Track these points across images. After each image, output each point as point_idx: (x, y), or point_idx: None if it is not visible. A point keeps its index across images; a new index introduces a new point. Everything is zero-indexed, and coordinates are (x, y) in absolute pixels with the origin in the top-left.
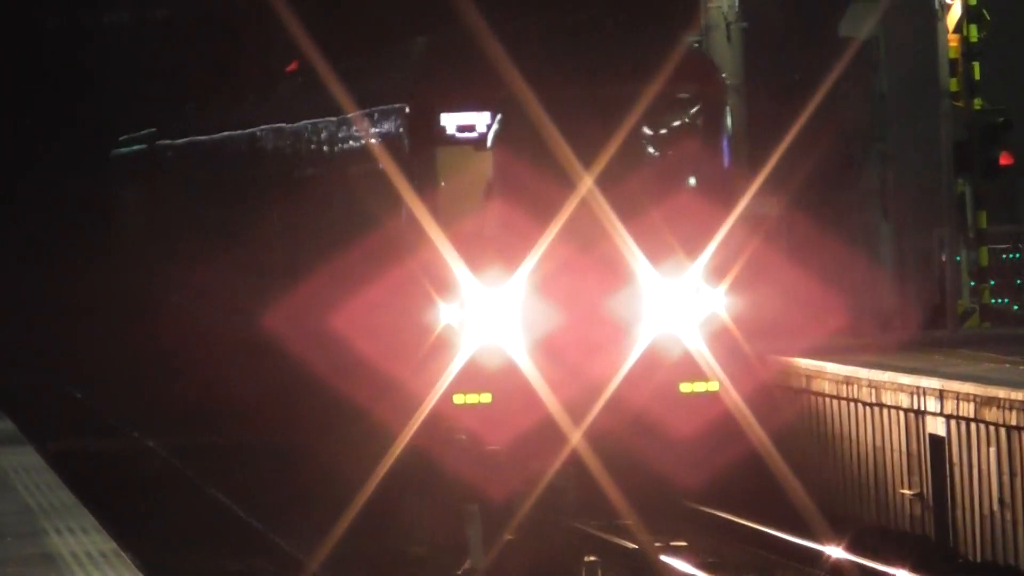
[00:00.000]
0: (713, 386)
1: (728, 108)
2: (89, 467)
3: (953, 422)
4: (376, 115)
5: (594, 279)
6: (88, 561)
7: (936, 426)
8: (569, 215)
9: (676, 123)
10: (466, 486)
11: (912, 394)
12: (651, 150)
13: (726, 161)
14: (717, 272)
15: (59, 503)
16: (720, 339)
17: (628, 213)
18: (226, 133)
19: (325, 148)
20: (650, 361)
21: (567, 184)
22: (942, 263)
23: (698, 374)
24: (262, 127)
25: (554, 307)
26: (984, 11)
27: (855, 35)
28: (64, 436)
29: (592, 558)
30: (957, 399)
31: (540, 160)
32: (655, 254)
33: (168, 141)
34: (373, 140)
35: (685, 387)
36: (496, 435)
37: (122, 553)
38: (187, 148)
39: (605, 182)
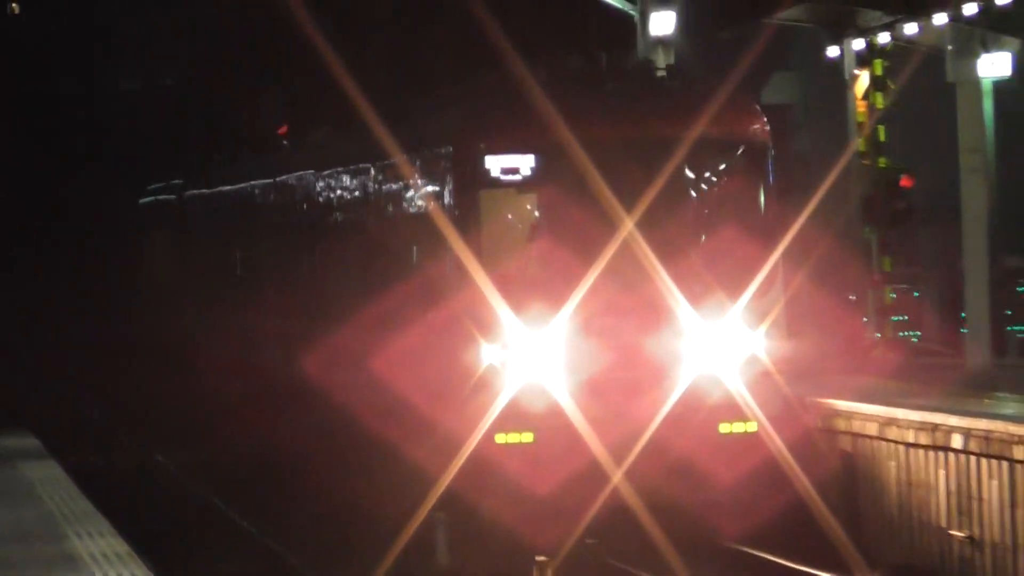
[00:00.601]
0: (752, 427)
1: (771, 152)
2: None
3: None
4: (421, 158)
5: (635, 320)
6: (105, 561)
7: None
8: (611, 257)
9: (720, 167)
10: (510, 530)
11: None
12: (694, 193)
13: (768, 205)
14: (757, 314)
15: (79, 511)
16: (758, 380)
17: (670, 255)
18: (262, 180)
19: (369, 191)
20: (690, 402)
21: (610, 226)
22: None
23: (737, 415)
24: (306, 172)
25: (596, 348)
26: (888, 80)
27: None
28: (85, 453)
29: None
30: None
31: (583, 203)
32: (696, 296)
33: (196, 191)
34: (418, 182)
35: (724, 427)
36: (537, 475)
37: (135, 555)
38: (218, 196)
39: (647, 224)
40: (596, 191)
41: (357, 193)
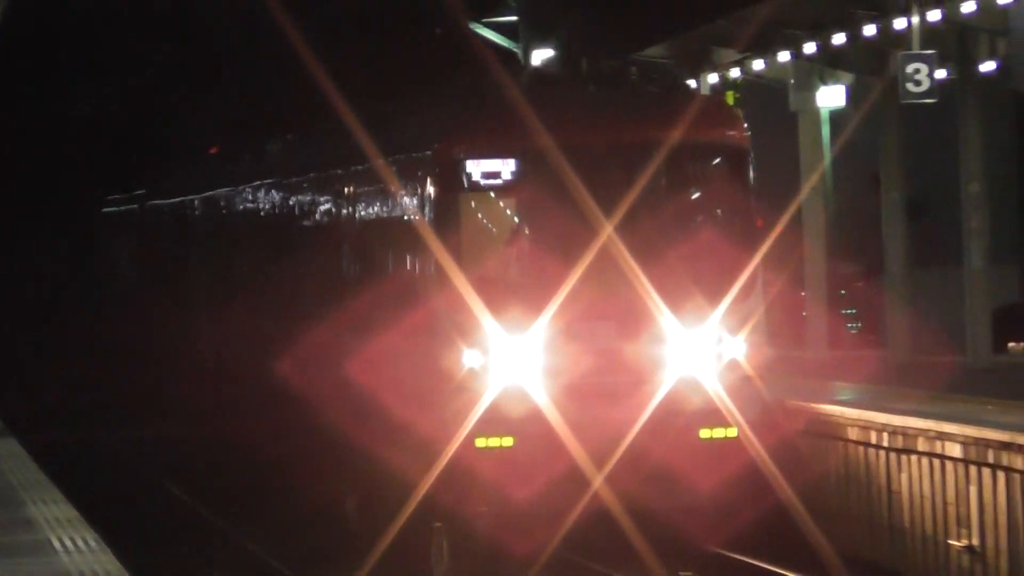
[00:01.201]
0: (732, 432)
1: (751, 156)
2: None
3: None
4: (399, 163)
5: (616, 325)
6: (57, 525)
7: None
8: (592, 261)
9: (700, 171)
10: (488, 534)
11: None
12: (674, 197)
13: (748, 209)
14: (737, 319)
15: (35, 481)
16: (738, 385)
17: (650, 259)
18: (228, 188)
19: (345, 197)
20: (670, 407)
21: (590, 230)
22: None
23: (717, 420)
24: (276, 179)
25: (576, 352)
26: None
27: None
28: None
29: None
30: None
31: (564, 207)
32: (676, 300)
33: (157, 200)
34: (396, 188)
35: (705, 433)
36: (518, 480)
37: (83, 519)
38: (182, 204)
39: (627, 229)
40: (576, 195)
41: (331, 200)
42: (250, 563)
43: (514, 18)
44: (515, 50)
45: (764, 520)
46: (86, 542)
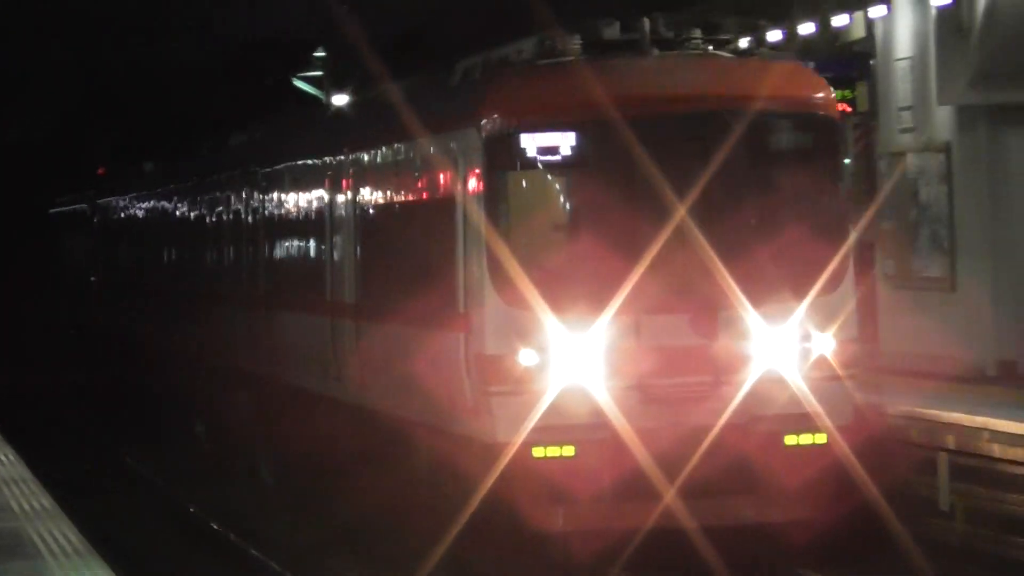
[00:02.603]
0: (821, 438)
1: (842, 128)
2: None
3: None
4: (440, 140)
5: (690, 320)
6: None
7: None
8: (663, 248)
9: (787, 146)
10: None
11: None
12: (758, 176)
13: (839, 188)
14: (827, 314)
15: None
16: (828, 386)
17: (729, 246)
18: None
19: (379, 179)
20: (751, 411)
21: (662, 213)
22: None
23: (805, 425)
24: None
25: (645, 350)
26: None
27: None
28: None
29: None
30: None
31: (630, 188)
32: (758, 292)
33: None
34: (436, 168)
35: (790, 439)
36: (579, 493)
37: (35, 480)
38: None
39: (704, 211)
40: (646, 173)
41: (367, 181)
42: None
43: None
44: (320, 96)
45: (858, 539)
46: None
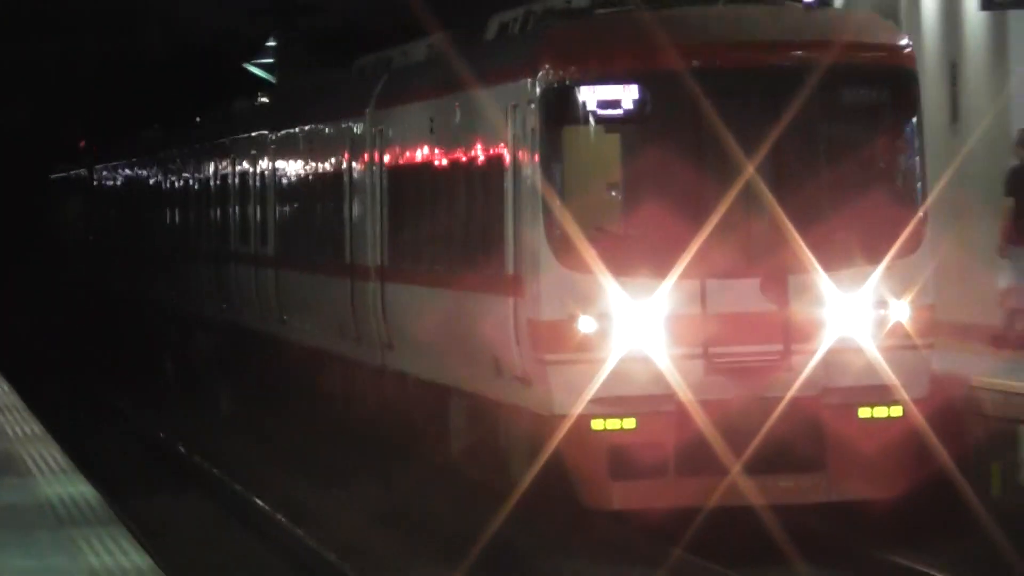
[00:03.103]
0: (897, 411)
1: (919, 84)
2: None
3: None
4: (487, 95)
5: (758, 286)
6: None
7: None
8: (729, 209)
9: (864, 102)
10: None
11: None
12: (832, 134)
13: (917, 148)
14: (904, 279)
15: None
16: (906, 357)
17: (799, 208)
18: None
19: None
20: (824, 383)
21: (730, 172)
22: None
23: (880, 398)
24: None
25: (711, 317)
26: None
27: None
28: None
29: None
30: None
31: (696, 145)
32: (830, 256)
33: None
34: (478, 125)
35: (864, 412)
36: (640, 469)
37: (26, 408)
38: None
39: (774, 171)
40: (712, 130)
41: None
42: None
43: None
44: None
45: (935, 518)
46: None
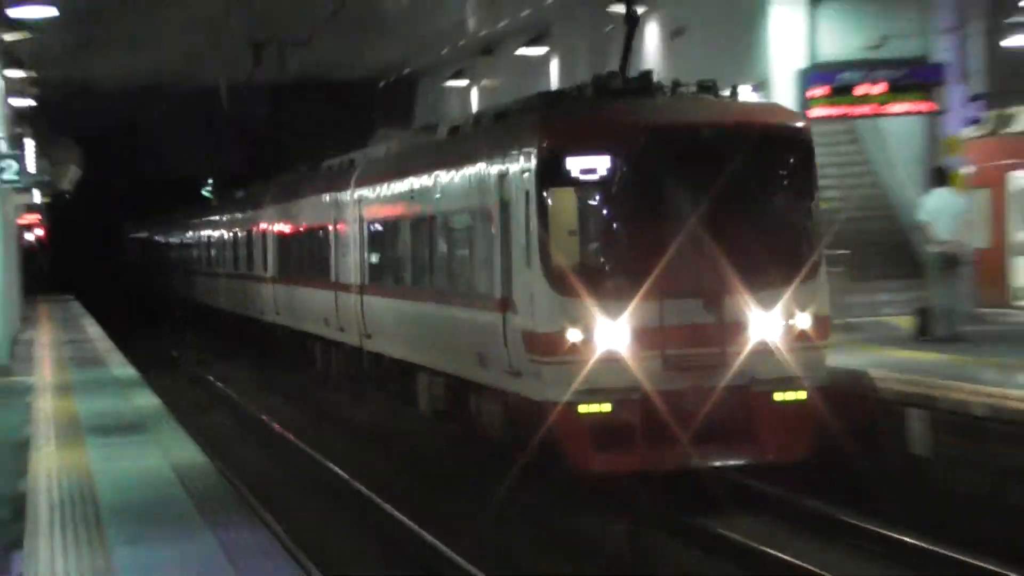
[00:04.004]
0: (802, 395)
1: (814, 148)
2: None
3: None
4: (504, 160)
5: (701, 301)
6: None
7: None
8: (678, 246)
9: (771, 162)
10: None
11: None
12: (748, 186)
13: (814, 197)
14: (806, 295)
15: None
16: (808, 355)
17: (730, 245)
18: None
19: (461, 190)
20: (749, 374)
21: (676, 219)
22: None
23: (791, 385)
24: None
25: (666, 327)
26: None
27: None
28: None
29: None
30: None
31: (652, 198)
32: (752, 281)
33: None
34: (505, 182)
35: (779, 396)
36: (616, 441)
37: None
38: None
39: (710, 216)
40: (663, 187)
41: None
42: None
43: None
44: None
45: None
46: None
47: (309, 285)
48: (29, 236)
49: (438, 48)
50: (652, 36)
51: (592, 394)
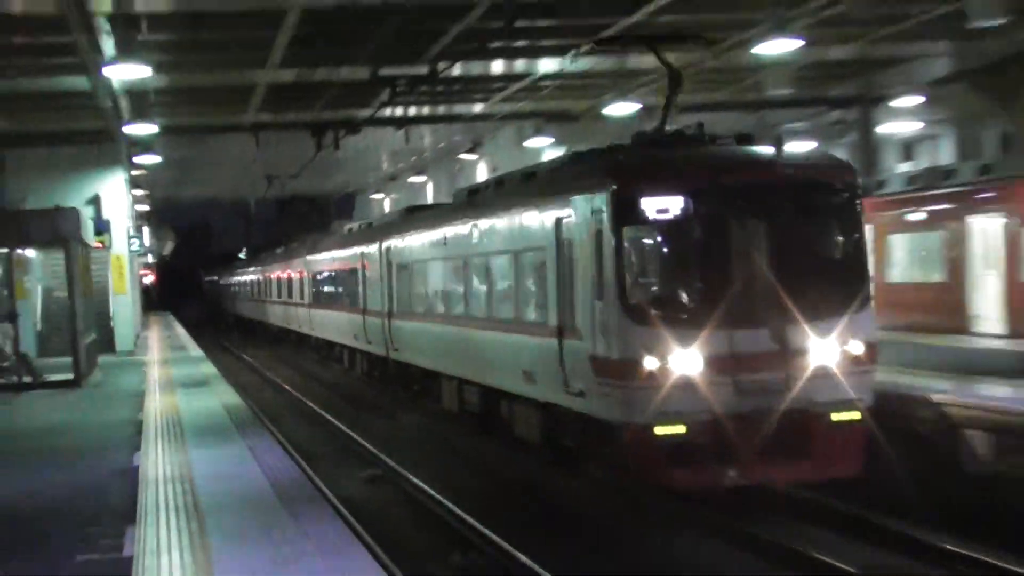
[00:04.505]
0: (856, 415)
1: (859, 192)
2: None
3: None
4: (563, 205)
5: (768, 330)
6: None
7: None
8: (746, 279)
9: (827, 205)
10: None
11: None
12: (806, 229)
13: (863, 237)
14: (858, 324)
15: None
16: (861, 378)
17: (792, 280)
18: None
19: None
20: (809, 397)
21: (747, 254)
22: None
23: (846, 405)
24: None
25: (736, 355)
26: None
27: None
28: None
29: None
30: None
31: (724, 237)
32: (813, 311)
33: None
34: (562, 225)
35: (835, 416)
36: (690, 459)
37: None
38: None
39: (775, 255)
40: (730, 225)
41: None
42: None
43: None
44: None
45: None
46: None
47: (339, 310)
48: (146, 280)
49: (366, 178)
50: (482, 171)
51: (667, 416)
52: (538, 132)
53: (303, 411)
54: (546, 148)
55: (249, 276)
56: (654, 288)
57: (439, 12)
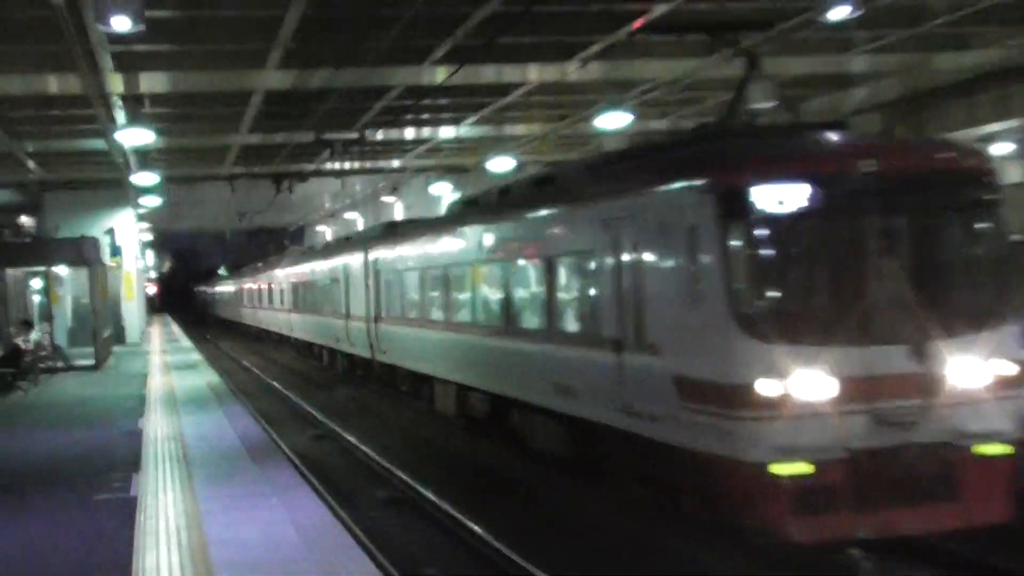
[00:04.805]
0: (1008, 450)
1: (999, 186)
2: None
3: None
4: (625, 204)
5: (909, 348)
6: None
7: None
8: (883, 287)
9: (970, 199)
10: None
11: None
12: (949, 225)
13: (1007, 235)
14: (1008, 340)
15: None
16: (1011, 403)
17: (931, 286)
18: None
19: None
20: (956, 428)
21: (881, 257)
22: None
23: (996, 438)
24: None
25: (874, 376)
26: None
27: None
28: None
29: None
30: None
31: (855, 235)
32: (958, 324)
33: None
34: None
35: (984, 450)
36: (817, 506)
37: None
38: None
39: (909, 249)
40: (863, 220)
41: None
42: None
43: None
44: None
45: None
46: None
47: (321, 315)
48: (150, 291)
49: (313, 215)
50: (399, 209)
51: (788, 452)
52: (440, 180)
53: (269, 389)
54: (446, 194)
55: (230, 287)
56: (773, 295)
57: (366, 93)
